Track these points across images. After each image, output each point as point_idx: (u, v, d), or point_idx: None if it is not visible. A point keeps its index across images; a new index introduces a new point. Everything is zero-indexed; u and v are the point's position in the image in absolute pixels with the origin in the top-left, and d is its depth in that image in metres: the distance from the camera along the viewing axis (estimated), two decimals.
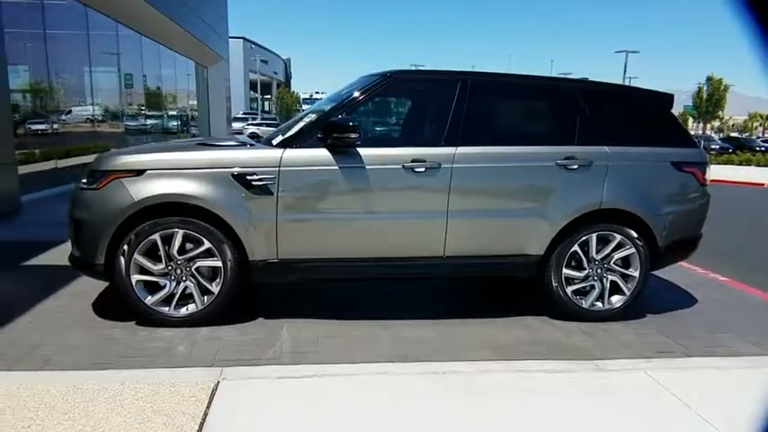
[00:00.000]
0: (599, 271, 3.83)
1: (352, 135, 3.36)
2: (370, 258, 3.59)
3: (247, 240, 3.42)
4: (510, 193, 3.68)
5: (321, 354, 3.19)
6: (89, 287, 4.12)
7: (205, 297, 3.48)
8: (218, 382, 2.76)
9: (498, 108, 3.80)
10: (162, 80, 14.98)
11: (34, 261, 4.93)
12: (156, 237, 3.36)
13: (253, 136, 31.05)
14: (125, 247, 3.34)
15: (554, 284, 3.78)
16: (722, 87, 55.81)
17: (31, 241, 5.53)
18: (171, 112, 16.31)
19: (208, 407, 2.53)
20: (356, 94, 3.64)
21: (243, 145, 3.62)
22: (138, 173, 3.35)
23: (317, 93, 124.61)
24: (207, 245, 3.40)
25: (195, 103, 19.34)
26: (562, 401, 2.71)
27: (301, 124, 3.62)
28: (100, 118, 11.25)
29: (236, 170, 3.38)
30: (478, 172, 3.59)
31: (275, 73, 60.00)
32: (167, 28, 12.83)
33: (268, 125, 32.59)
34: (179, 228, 3.37)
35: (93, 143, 10.31)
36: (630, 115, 3.92)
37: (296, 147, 3.46)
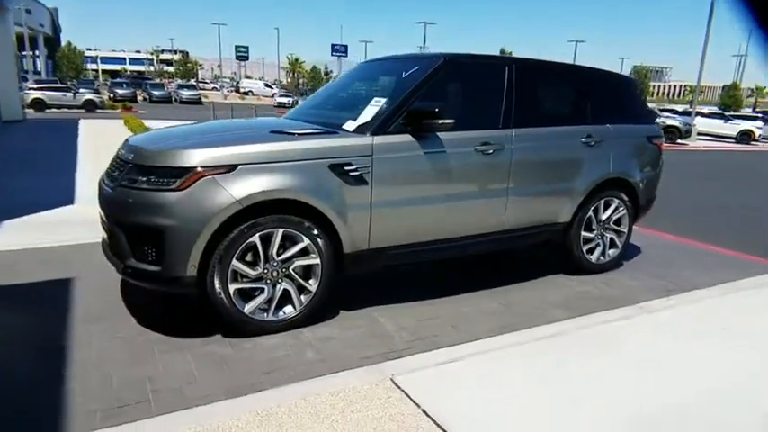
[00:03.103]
0: (602, 230, 4.58)
1: (440, 121, 3.41)
2: (450, 239, 3.74)
3: (344, 233, 3.28)
4: (552, 169, 4.15)
5: (446, 336, 3.31)
6: (104, 305, 3.51)
7: (302, 297, 3.27)
8: (391, 378, 2.74)
9: (539, 91, 4.17)
10: None
11: None
12: (256, 239, 3.03)
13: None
14: (221, 253, 2.95)
15: (575, 246, 4.41)
16: None
17: None
18: None
19: (416, 404, 2.53)
20: (421, 78, 3.63)
21: (326, 133, 3.37)
22: (230, 168, 2.94)
23: (89, 50, 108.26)
24: (306, 242, 3.17)
25: None
26: (645, 338, 3.33)
27: (375, 109, 3.50)
28: None
29: (334, 160, 3.19)
30: (529, 151, 3.96)
31: (41, 25, 50.07)
32: None
33: (56, 89, 27.44)
34: (279, 227, 3.08)
35: None
36: (619, 97, 4.67)
37: (381, 134, 3.39)
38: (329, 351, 3.06)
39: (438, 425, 2.36)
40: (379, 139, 3.35)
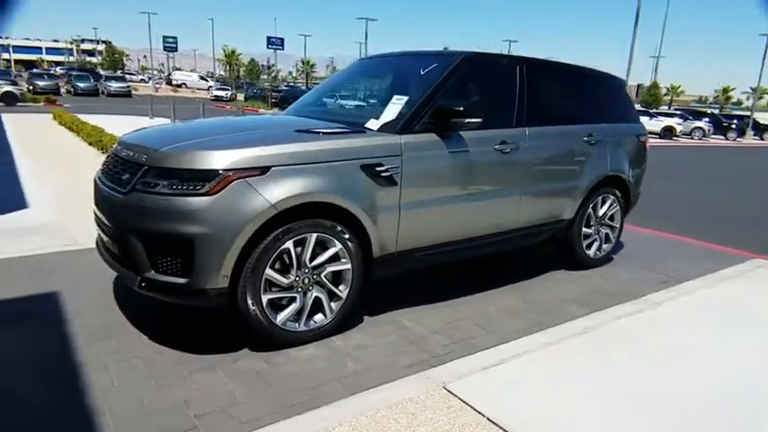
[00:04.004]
0: (598, 226, 4.69)
1: (467, 119, 3.31)
2: (471, 238, 3.68)
3: (374, 236, 3.14)
4: (560, 166, 4.19)
5: (480, 338, 3.25)
6: (104, 321, 3.20)
7: (332, 304, 3.10)
8: (443, 386, 2.65)
9: (547, 90, 4.17)
10: None
11: None
12: (290, 245, 2.83)
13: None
14: (254, 262, 2.73)
15: (576, 242, 4.48)
16: None
17: None
18: None
19: (479, 413, 2.45)
20: (443, 76, 3.53)
21: (353, 132, 3.19)
22: (263, 170, 2.73)
23: None
24: (338, 246, 3.01)
25: None
26: (662, 331, 3.45)
27: (398, 107, 3.37)
28: None
29: (365, 161, 3.04)
30: (541, 149, 3.97)
31: None
32: None
33: None
34: (312, 231, 2.90)
35: None
36: (613, 96, 4.79)
37: (408, 133, 3.27)
38: (369, 360, 2.92)
39: None
40: (406, 138, 3.23)
